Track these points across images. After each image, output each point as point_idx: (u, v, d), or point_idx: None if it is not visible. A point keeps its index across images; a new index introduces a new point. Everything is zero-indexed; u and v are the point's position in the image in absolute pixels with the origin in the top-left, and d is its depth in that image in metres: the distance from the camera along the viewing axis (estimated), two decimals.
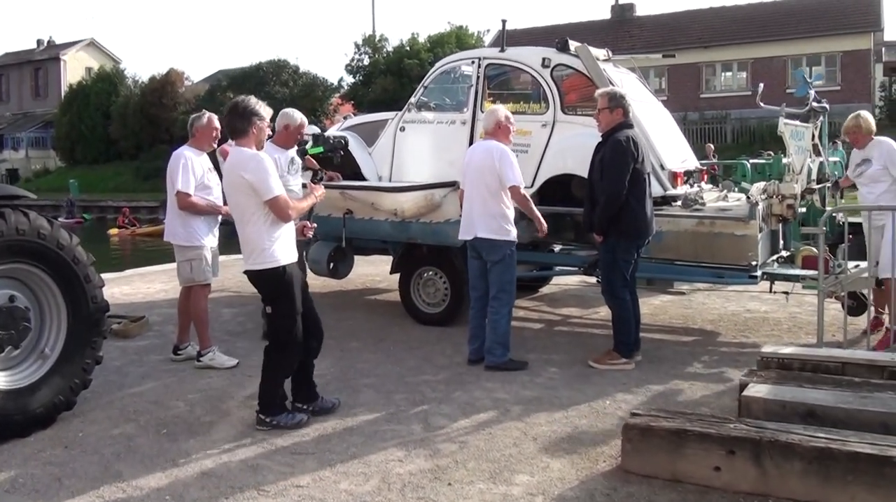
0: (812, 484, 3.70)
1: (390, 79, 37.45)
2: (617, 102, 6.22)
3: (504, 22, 7.94)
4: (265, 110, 4.97)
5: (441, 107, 8.30)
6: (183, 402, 5.51)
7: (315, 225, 5.32)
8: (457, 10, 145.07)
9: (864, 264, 6.57)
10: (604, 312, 8.21)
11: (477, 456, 4.52)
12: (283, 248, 4.86)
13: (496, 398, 5.56)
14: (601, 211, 6.12)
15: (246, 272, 4.98)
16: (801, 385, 4.58)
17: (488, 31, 40.91)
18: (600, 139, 6.29)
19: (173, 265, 6.84)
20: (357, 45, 42.04)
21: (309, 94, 41.52)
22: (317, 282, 9.56)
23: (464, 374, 6.15)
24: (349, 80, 42.55)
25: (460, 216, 6.80)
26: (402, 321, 7.83)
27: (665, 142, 7.58)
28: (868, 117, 6.87)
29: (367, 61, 41.46)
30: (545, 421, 5.07)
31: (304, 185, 5.09)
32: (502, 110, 6.39)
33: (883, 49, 34.23)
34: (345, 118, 9.60)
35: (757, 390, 4.53)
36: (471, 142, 7.76)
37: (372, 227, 7.83)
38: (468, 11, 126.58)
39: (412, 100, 8.37)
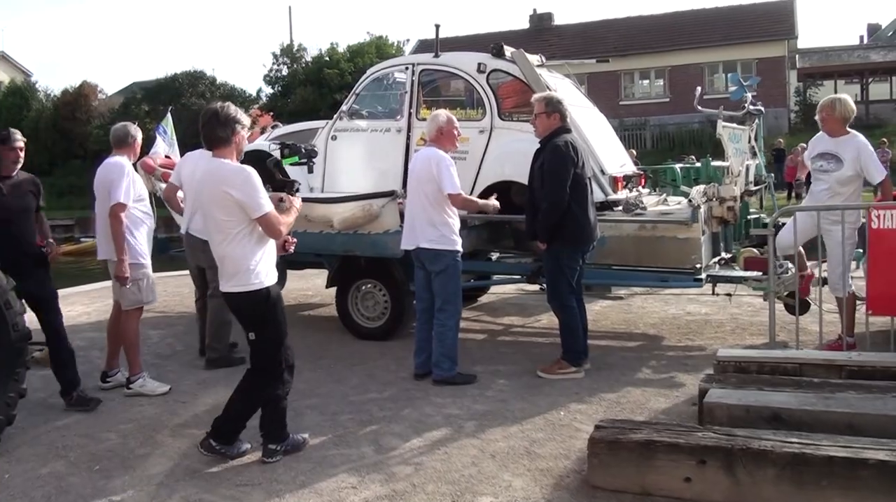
0: (786, 490, 3.60)
1: (310, 89, 36.96)
2: (554, 107, 6.10)
3: (438, 27, 7.77)
4: (245, 118, 4.60)
5: (374, 114, 8.09)
6: (115, 434, 5.12)
7: (296, 240, 4.86)
8: (376, 20, 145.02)
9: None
10: (546, 320, 8.12)
11: (435, 479, 4.30)
12: (266, 268, 4.47)
13: (448, 414, 5.35)
14: (544, 218, 5.97)
15: (225, 295, 4.53)
16: (762, 388, 4.51)
17: (408, 40, 40.93)
18: (539, 145, 6.16)
19: (94, 286, 6.45)
20: (275, 56, 41.35)
21: None
22: None
23: (411, 390, 5.92)
24: (268, 90, 41.85)
25: (399, 226, 6.60)
26: (341, 337, 7.55)
27: (604, 147, 7.52)
28: (847, 104, 6.18)
29: (285, 71, 40.81)
30: (501, 437, 4.87)
31: (280, 199, 4.66)
32: (444, 114, 6.17)
33: (797, 56, 35.38)
34: (272, 128, 9.26)
35: (719, 395, 4.43)
36: (407, 150, 7.59)
37: (306, 240, 7.50)
38: (387, 22, 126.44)
39: (343, 107, 8.14)
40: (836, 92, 35.06)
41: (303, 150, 5.13)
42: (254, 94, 43.41)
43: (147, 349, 7.13)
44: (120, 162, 5.89)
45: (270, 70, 41.16)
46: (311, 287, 10.18)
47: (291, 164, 5.16)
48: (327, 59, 39.13)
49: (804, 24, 66.52)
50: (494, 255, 8.43)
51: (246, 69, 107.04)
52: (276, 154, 5.25)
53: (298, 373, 6.28)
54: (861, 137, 6.20)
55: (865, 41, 48.17)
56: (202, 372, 6.56)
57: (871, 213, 4.92)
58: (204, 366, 6.67)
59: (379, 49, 38.98)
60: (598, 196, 6.84)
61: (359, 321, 7.56)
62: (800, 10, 35.04)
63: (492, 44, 7.60)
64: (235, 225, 4.34)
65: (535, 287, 8.34)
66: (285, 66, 40.96)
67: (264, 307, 4.46)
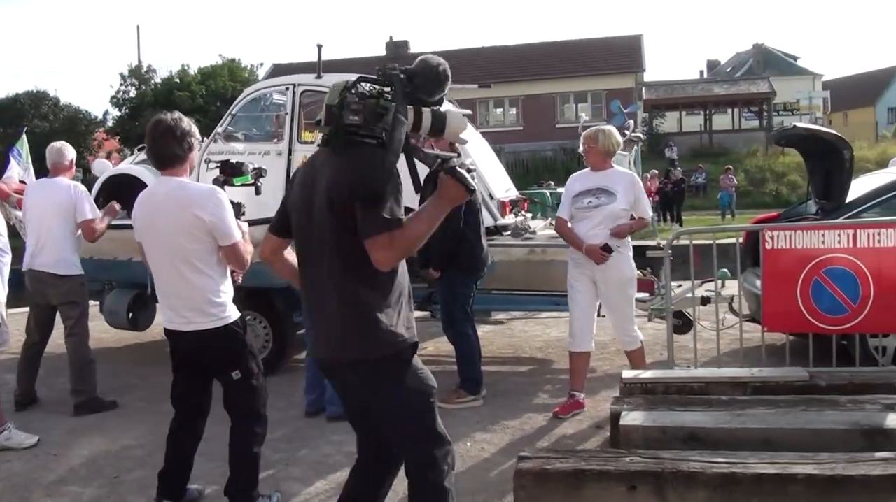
0: None
1: (160, 111, 35.53)
2: None
3: (320, 48, 7.50)
4: (197, 131, 4.13)
5: (251, 137, 7.76)
6: None
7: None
8: (228, 43, 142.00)
9: (687, 284, 6.75)
10: (431, 347, 7.96)
11: None
12: (230, 300, 4.05)
13: (349, 452, 5.00)
14: (440, 246, 5.78)
15: (196, 333, 3.98)
16: (673, 408, 4.51)
17: (261, 64, 40.42)
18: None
19: None
20: (123, 76, 39.80)
21: (71, 128, 38.10)
22: (112, 335, 8.56)
23: (304, 429, 5.59)
24: (115, 113, 40.13)
25: None
26: None
27: (490, 172, 7.50)
28: (612, 136, 5.57)
29: (133, 93, 39.28)
30: None
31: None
32: None
33: (643, 88, 37.40)
34: (139, 150, 8.71)
35: (633, 418, 4.39)
36: (288, 174, 7.29)
37: None
38: (240, 45, 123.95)
39: (218, 129, 7.75)
40: (681, 122, 37.45)
41: (251, 169, 4.64)
42: (100, 116, 41.52)
43: (6, 397, 6.43)
44: None
45: (118, 91, 39.58)
46: None
47: (240, 185, 4.63)
48: (178, 80, 38.01)
49: (650, 59, 70.78)
50: None
51: (91, 90, 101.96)
52: (217, 173, 4.69)
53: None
54: (634, 176, 5.81)
55: (706, 76, 51.54)
56: (71, 419, 5.94)
57: (766, 234, 5.07)
58: (72, 412, 6.06)
59: (232, 72, 38.25)
60: (487, 221, 6.79)
61: None
62: (646, 45, 37.05)
63: (377, 66, 7.41)
64: (201, 252, 3.89)
65: (421, 313, 8.17)
66: (133, 88, 39.51)
67: (242, 339, 4.07)
